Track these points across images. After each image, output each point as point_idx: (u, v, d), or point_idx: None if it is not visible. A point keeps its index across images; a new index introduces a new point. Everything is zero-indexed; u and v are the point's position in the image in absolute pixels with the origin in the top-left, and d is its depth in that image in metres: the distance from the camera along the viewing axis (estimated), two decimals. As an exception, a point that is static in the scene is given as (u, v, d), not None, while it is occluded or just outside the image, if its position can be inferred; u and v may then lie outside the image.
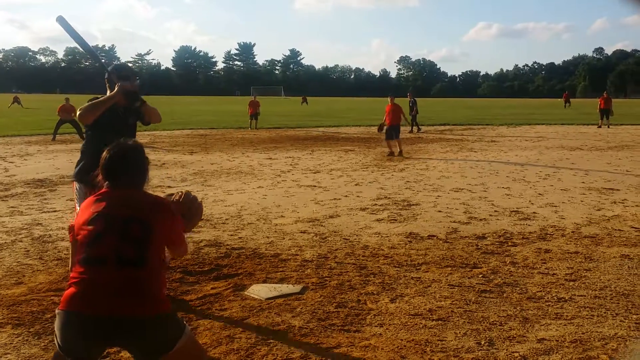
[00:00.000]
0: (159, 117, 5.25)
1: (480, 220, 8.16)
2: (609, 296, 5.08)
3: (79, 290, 2.60)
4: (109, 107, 4.80)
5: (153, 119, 5.18)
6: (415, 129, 26.01)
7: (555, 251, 6.55)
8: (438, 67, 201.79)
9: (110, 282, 2.59)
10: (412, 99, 26.79)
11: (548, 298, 5.04)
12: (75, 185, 5.01)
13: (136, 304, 2.59)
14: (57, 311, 2.65)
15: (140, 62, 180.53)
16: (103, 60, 5.20)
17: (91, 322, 2.56)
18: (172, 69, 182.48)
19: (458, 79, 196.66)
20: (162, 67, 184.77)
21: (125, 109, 4.98)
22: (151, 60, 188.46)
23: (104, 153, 2.88)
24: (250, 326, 4.44)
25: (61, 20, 4.95)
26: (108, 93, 4.94)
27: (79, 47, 5.20)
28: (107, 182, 2.86)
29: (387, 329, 4.41)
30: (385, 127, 16.82)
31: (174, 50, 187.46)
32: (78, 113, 4.82)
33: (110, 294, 2.57)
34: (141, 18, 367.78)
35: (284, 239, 7.12)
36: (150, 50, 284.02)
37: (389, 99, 17.62)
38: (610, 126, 29.23)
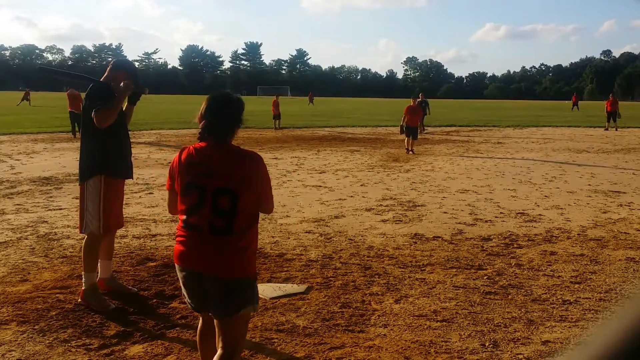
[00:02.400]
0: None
1: (486, 221, 8.14)
2: (614, 299, 5.06)
3: (182, 248, 3.09)
4: (110, 93, 4.91)
5: (129, 120, 5.39)
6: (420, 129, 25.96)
7: (561, 253, 6.53)
8: (445, 68, 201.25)
9: (205, 245, 3.01)
10: (424, 100, 26.79)
11: (553, 300, 5.03)
12: (89, 183, 4.93)
13: (222, 267, 3.00)
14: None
15: (147, 60, 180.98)
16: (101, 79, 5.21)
17: (193, 277, 3.07)
18: (179, 67, 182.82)
19: (465, 80, 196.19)
20: (169, 66, 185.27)
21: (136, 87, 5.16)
22: (158, 59, 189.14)
23: (204, 104, 3.18)
24: (255, 325, 4.44)
25: (41, 70, 5.17)
26: (105, 75, 5.06)
27: (69, 78, 5.40)
28: (203, 132, 3.16)
29: (391, 329, 4.41)
30: (406, 127, 17.32)
31: (181, 49, 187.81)
32: (96, 119, 4.77)
33: (204, 255, 3.02)
34: (148, 17, 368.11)
35: (289, 238, 7.12)
36: (157, 49, 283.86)
37: (412, 100, 18.32)
38: (617, 129, 29.12)
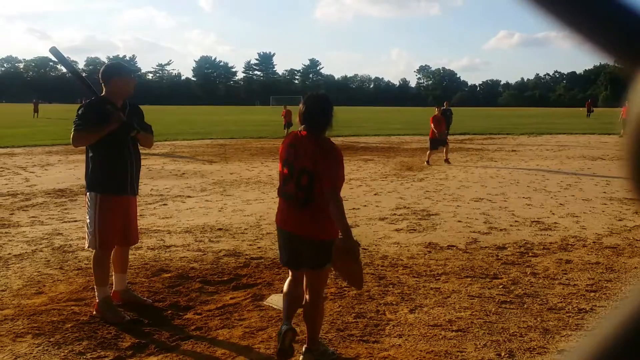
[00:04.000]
0: (151, 143, 5.27)
1: (501, 230, 8.09)
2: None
3: (279, 213, 4.05)
4: (104, 112, 4.79)
5: (146, 145, 5.20)
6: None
7: (576, 262, 6.48)
8: (458, 76, 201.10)
9: (294, 211, 3.89)
10: (449, 109, 26.46)
11: (569, 309, 4.98)
12: (88, 197, 4.97)
13: (307, 229, 3.85)
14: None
15: (160, 72, 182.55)
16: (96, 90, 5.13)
17: (284, 235, 3.98)
18: (193, 79, 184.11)
19: (478, 88, 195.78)
20: (183, 77, 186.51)
21: (126, 113, 4.96)
22: (172, 70, 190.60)
23: (301, 103, 3.95)
24: (270, 336, 4.44)
25: (54, 51, 5.09)
26: (103, 91, 4.97)
27: (71, 74, 5.31)
28: (302, 125, 3.92)
29: (406, 339, 4.38)
30: (431, 139, 17.07)
31: (194, 60, 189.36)
32: (72, 137, 4.77)
33: (293, 219, 3.90)
34: (161, 28, 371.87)
35: (302, 248, 7.10)
36: (170, 60, 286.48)
37: (436, 109, 17.95)
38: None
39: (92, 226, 4.87)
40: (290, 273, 4.16)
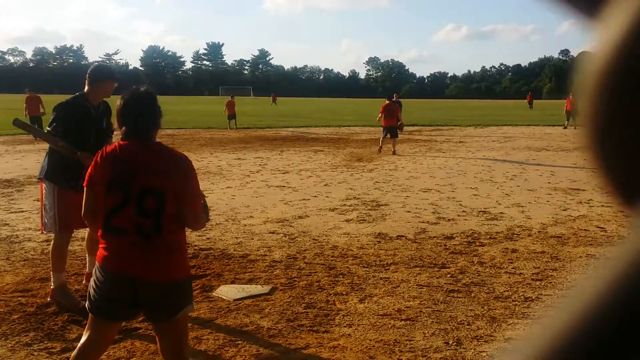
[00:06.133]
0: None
1: (449, 220, 8.21)
2: (574, 295, 5.14)
3: (108, 254, 2.94)
4: (82, 112, 4.86)
5: None
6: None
7: (522, 251, 6.62)
8: (407, 68, 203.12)
9: (137, 248, 2.89)
10: (398, 101, 26.88)
11: (515, 297, 5.09)
12: (45, 184, 4.93)
13: (159, 269, 2.92)
14: (95, 267, 3.02)
15: (108, 61, 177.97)
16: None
17: (119, 281, 2.91)
18: (141, 68, 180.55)
19: (426, 80, 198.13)
20: (130, 67, 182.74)
21: (100, 112, 4.96)
22: (119, 60, 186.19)
23: (119, 100, 3.07)
24: (218, 327, 4.40)
25: (18, 123, 5.20)
26: (86, 89, 4.97)
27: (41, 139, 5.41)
28: (123, 129, 3.03)
29: (355, 329, 4.40)
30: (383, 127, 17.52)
31: (142, 50, 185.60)
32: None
33: (138, 258, 2.90)
34: (110, 18, 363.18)
35: (252, 239, 7.06)
36: (118, 50, 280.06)
37: (387, 99, 18.52)
38: (576, 127, 29.71)
39: (52, 210, 4.85)
40: (94, 331, 3.04)
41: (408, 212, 8.75)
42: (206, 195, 3.41)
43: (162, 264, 2.93)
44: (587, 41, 0.29)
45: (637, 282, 0.25)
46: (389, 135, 17.27)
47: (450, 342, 4.15)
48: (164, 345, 3.06)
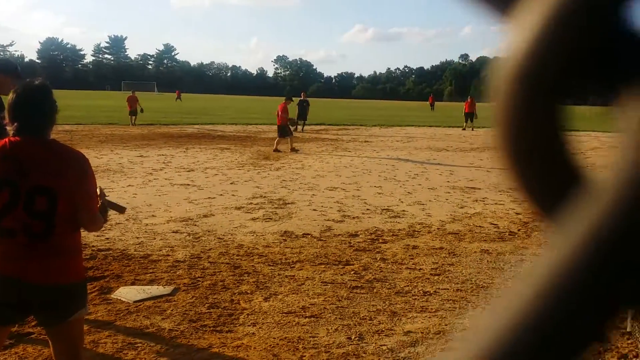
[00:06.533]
0: None
1: (354, 218, 8.35)
2: (469, 289, 5.36)
3: None
4: None
5: None
6: (300, 127, 26.20)
7: (422, 247, 6.83)
8: (314, 67, 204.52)
9: (27, 251, 2.74)
10: (306, 100, 27.13)
11: (415, 292, 5.24)
12: None
13: (52, 272, 2.77)
14: None
15: (2, 53, 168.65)
16: None
17: (1, 283, 2.77)
18: (37, 61, 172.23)
19: (334, 80, 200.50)
20: (26, 59, 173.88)
21: None
22: (14, 52, 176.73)
23: (11, 94, 2.87)
24: (117, 330, 4.27)
25: None
26: None
27: None
28: (14, 125, 2.84)
29: (260, 328, 4.39)
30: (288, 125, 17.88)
31: (39, 42, 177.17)
32: None
33: (29, 262, 2.74)
34: (5, 9, 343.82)
35: (154, 239, 6.90)
36: (13, 41, 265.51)
37: (285, 99, 19.05)
38: (473, 129, 30.92)
39: None
40: None
41: (314, 210, 8.82)
42: (107, 195, 3.29)
43: (50, 267, 2.78)
44: (498, 44, 0.29)
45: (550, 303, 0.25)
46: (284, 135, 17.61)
47: (353, 337, 4.23)
48: (58, 349, 2.93)
